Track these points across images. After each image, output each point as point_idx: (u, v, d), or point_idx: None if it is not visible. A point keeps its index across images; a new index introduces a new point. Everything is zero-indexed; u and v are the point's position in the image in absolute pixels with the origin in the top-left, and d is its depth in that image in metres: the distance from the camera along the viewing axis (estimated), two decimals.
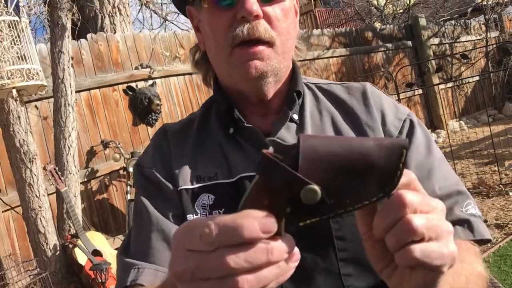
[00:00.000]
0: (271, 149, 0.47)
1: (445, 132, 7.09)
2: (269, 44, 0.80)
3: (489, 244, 3.06)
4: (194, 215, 0.83)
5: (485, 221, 3.51)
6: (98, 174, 4.23)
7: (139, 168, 0.92)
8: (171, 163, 0.89)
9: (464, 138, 6.77)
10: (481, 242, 0.80)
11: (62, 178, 3.40)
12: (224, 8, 0.80)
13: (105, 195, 4.30)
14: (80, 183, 3.83)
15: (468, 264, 0.68)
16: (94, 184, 4.24)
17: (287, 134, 0.85)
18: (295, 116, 0.87)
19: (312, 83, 0.95)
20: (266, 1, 0.80)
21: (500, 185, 4.22)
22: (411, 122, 0.88)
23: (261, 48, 0.79)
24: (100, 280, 3.12)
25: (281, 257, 0.41)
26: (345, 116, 0.88)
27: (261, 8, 0.79)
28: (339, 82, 0.95)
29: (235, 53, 0.80)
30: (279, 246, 0.41)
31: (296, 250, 0.43)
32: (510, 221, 3.40)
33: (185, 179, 0.86)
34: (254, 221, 0.39)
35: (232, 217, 0.40)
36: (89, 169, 4.18)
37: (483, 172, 4.83)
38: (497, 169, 4.56)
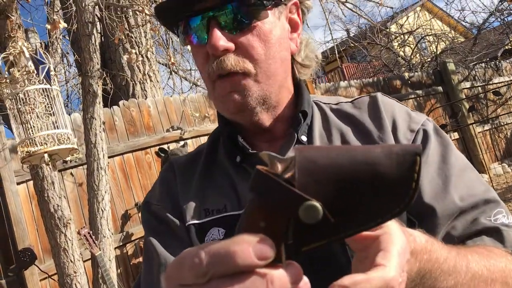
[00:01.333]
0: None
1: (487, 176, 6.82)
2: (245, 74, 0.77)
3: None
4: None
5: None
6: (133, 238, 4.22)
7: (146, 205, 0.90)
8: (178, 198, 0.86)
9: (509, 180, 6.47)
10: None
11: (96, 242, 3.41)
12: (199, 45, 0.80)
13: (141, 259, 4.27)
14: (116, 247, 3.83)
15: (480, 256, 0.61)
16: (130, 248, 4.22)
17: None
18: (304, 138, 0.83)
19: (324, 103, 0.91)
20: (236, 32, 0.77)
21: None
22: (425, 132, 0.82)
23: (236, 78, 0.77)
24: None
25: None
26: (356, 131, 0.84)
27: (232, 40, 0.76)
28: (349, 99, 0.92)
29: (217, 86, 0.79)
30: (280, 276, 0.35)
31: (305, 280, 0.37)
32: None
33: (193, 214, 0.83)
34: (248, 246, 0.34)
35: (224, 243, 0.35)
36: (124, 233, 4.18)
37: None
38: None
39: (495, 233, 0.71)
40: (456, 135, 7.47)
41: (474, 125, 7.44)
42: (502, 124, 8.29)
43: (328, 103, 0.91)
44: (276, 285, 0.35)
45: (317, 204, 0.36)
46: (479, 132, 7.77)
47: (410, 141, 0.81)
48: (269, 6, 0.78)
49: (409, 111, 0.87)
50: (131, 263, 4.20)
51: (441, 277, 0.53)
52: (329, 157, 0.37)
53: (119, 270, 3.89)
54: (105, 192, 3.58)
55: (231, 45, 0.76)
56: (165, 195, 0.88)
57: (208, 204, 0.83)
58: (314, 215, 0.36)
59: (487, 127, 8.03)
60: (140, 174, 4.47)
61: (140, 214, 4.31)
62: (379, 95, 0.89)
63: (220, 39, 0.75)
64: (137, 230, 4.25)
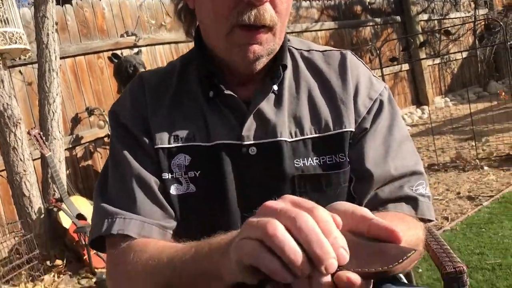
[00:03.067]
0: None
1: (429, 108, 7.19)
2: (270, 28, 0.79)
3: (458, 214, 3.19)
4: (170, 174, 0.85)
5: (458, 193, 3.63)
6: (83, 141, 4.27)
7: (114, 115, 0.91)
8: (148, 120, 0.87)
9: (447, 114, 6.87)
10: (427, 221, 0.84)
11: (46, 143, 3.45)
12: None
13: (90, 162, 4.36)
14: (65, 149, 3.88)
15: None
16: (79, 151, 4.29)
17: (266, 105, 0.86)
18: (275, 87, 0.87)
19: (296, 49, 0.94)
20: None
21: (476, 160, 4.34)
22: (381, 103, 0.89)
23: (263, 32, 0.79)
24: (83, 243, 3.21)
25: None
26: (322, 87, 0.89)
27: None
28: (321, 48, 0.95)
29: (236, 33, 0.79)
30: None
31: None
32: (481, 194, 3.52)
33: (162, 138, 0.86)
34: None
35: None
36: (74, 135, 4.22)
37: (462, 147, 4.95)
38: (474, 145, 4.68)
39: (412, 201, 0.83)
40: (407, 66, 7.71)
41: (425, 59, 7.67)
42: (452, 59, 8.58)
43: (300, 49, 0.94)
44: None
45: None
46: (428, 65, 8.03)
47: (367, 108, 0.87)
48: None
49: (371, 76, 0.92)
50: (80, 166, 4.29)
51: None
52: None
53: (68, 172, 3.98)
54: (57, 95, 3.56)
55: None
56: (135, 112, 0.89)
57: (177, 130, 0.86)
58: None
59: (437, 61, 8.29)
60: (91, 78, 4.42)
61: (90, 119, 4.33)
62: (349, 54, 0.93)
63: None
64: (86, 133, 4.29)
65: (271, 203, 0.52)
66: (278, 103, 0.87)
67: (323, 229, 0.48)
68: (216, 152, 0.84)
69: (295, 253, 0.46)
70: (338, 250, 0.47)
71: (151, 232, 0.82)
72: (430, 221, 0.86)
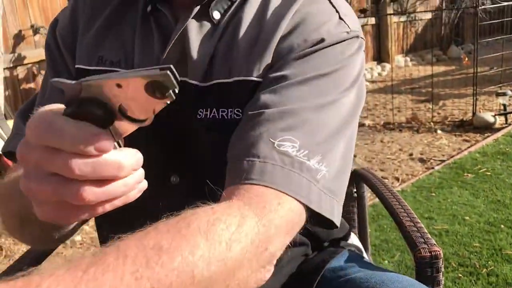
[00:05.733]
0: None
1: (390, 66, 7.17)
2: None
3: (410, 176, 3.20)
4: None
5: (411, 154, 3.64)
6: (26, 61, 3.93)
7: (54, 23, 0.81)
8: (79, 33, 0.77)
9: (407, 74, 6.88)
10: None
11: None
12: None
13: (32, 85, 4.04)
14: (5, 68, 3.56)
15: None
16: (21, 71, 3.95)
17: (196, 34, 0.70)
18: (216, 15, 0.70)
19: None
20: None
21: (431, 122, 4.37)
22: (322, 46, 0.66)
23: None
24: None
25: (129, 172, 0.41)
26: (256, 22, 0.69)
27: None
28: None
29: None
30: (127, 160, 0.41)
31: (141, 171, 0.43)
32: (433, 157, 3.55)
33: (86, 58, 0.75)
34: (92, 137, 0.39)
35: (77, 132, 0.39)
36: (16, 54, 3.87)
37: (418, 109, 4.97)
38: (431, 107, 4.71)
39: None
40: (373, 20, 7.58)
41: (391, 15, 7.57)
42: (417, 19, 8.53)
43: None
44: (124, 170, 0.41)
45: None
46: (394, 22, 7.94)
47: (296, 50, 0.66)
48: None
49: (334, 18, 0.69)
50: (21, 87, 3.97)
51: None
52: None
53: (7, 93, 3.67)
54: None
55: None
56: (69, 25, 0.79)
57: (104, 51, 0.75)
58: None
59: (402, 18, 8.22)
60: None
61: (35, 38, 3.97)
62: None
63: None
64: (30, 54, 3.94)
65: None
66: (210, 35, 0.70)
67: None
68: None
69: None
70: None
71: None
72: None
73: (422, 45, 8.81)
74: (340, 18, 0.69)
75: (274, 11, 0.69)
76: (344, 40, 0.67)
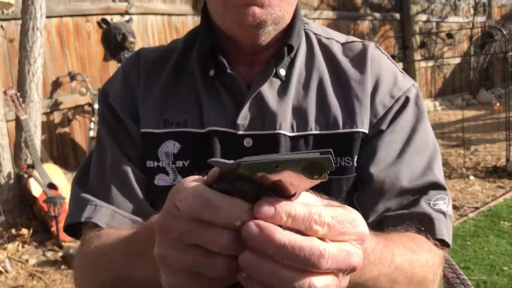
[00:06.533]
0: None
1: None
2: None
3: None
4: (155, 162, 0.76)
5: None
6: (61, 107, 4.08)
7: (104, 94, 0.83)
8: (138, 99, 0.80)
9: (436, 118, 6.83)
10: (444, 245, 0.72)
11: (23, 105, 3.26)
12: None
13: (67, 129, 4.17)
14: (42, 113, 3.70)
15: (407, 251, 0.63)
16: (57, 117, 4.10)
17: (269, 91, 0.76)
18: (282, 72, 0.77)
19: (314, 33, 0.83)
20: None
21: (463, 168, 4.29)
22: (405, 102, 0.77)
23: None
24: (53, 214, 3.05)
25: None
26: (336, 80, 0.78)
27: None
28: (342, 39, 0.84)
29: None
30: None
31: None
32: (466, 204, 3.46)
33: (151, 122, 0.78)
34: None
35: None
36: (53, 100, 4.02)
37: (449, 154, 4.90)
38: (462, 153, 4.63)
39: (428, 219, 0.71)
40: (400, 65, 7.63)
41: (420, 61, 7.62)
42: (445, 63, 8.54)
43: (318, 34, 0.83)
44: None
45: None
46: (422, 67, 7.97)
47: (386, 107, 0.76)
48: None
49: (397, 72, 0.80)
50: (56, 132, 4.10)
51: (367, 267, 0.54)
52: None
53: (43, 137, 3.79)
54: (38, 55, 3.37)
55: None
56: (125, 92, 0.81)
57: (168, 114, 0.78)
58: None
59: (430, 63, 8.24)
60: (77, 42, 4.21)
61: (72, 84, 4.13)
62: (372, 47, 0.81)
63: None
64: (66, 99, 4.10)
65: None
66: (283, 90, 0.76)
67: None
68: (208, 140, 0.75)
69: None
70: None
71: (121, 225, 0.74)
72: (447, 245, 0.73)
73: (451, 90, 8.77)
74: (400, 71, 0.81)
75: (348, 66, 0.79)
76: (413, 85, 0.80)
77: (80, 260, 0.75)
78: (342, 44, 0.82)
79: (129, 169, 0.77)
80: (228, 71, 0.75)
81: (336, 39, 0.83)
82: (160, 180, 0.77)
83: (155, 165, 0.77)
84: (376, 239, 0.56)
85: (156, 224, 0.43)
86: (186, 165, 0.75)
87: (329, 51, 0.81)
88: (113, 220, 0.75)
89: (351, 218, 0.41)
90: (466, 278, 0.83)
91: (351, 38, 0.84)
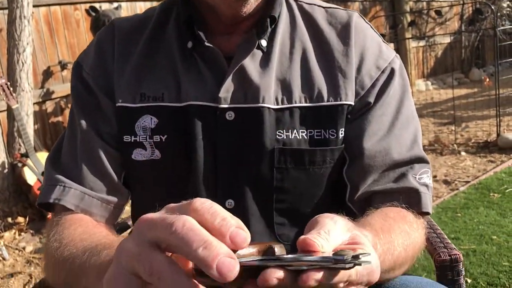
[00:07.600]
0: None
1: (411, 90, 7.16)
2: None
3: (434, 197, 3.17)
4: (132, 137, 0.75)
5: (435, 176, 3.61)
6: (54, 96, 4.07)
7: (77, 67, 0.81)
8: (113, 73, 0.78)
9: (428, 98, 6.86)
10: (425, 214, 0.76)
11: (14, 94, 3.26)
12: None
13: (60, 118, 4.17)
14: (34, 103, 3.69)
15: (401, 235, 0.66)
16: (49, 106, 4.09)
17: (251, 63, 0.74)
18: (264, 43, 0.75)
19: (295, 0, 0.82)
20: None
21: (454, 144, 4.33)
22: (391, 73, 0.77)
23: None
24: None
25: None
26: (320, 50, 0.78)
27: None
28: (324, 4, 0.82)
29: None
30: None
31: None
32: (457, 178, 3.51)
33: (126, 95, 0.76)
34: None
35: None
36: (45, 89, 4.01)
37: (440, 131, 4.94)
38: (454, 129, 4.67)
39: (415, 193, 0.74)
40: (392, 46, 7.63)
41: (410, 40, 7.61)
42: (437, 43, 8.53)
43: (300, 1, 0.82)
44: None
45: None
46: (413, 47, 7.97)
47: (373, 79, 0.76)
48: None
49: (381, 43, 0.80)
50: (49, 121, 4.10)
51: None
52: None
53: (36, 126, 3.80)
54: (27, 44, 3.36)
55: None
56: (98, 65, 0.79)
57: (144, 88, 0.76)
58: None
59: (422, 43, 8.23)
60: (67, 31, 4.19)
61: (63, 73, 4.12)
62: (355, 16, 0.81)
63: None
64: (58, 88, 4.09)
65: (145, 216, 0.39)
66: (265, 62, 0.75)
67: (206, 220, 0.37)
68: (186, 114, 0.74)
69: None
70: (229, 231, 0.36)
71: (90, 206, 0.75)
72: (427, 213, 0.76)
73: (443, 69, 8.78)
74: (383, 41, 0.81)
75: (332, 36, 0.78)
76: (396, 56, 0.81)
77: (46, 258, 0.73)
78: (325, 9, 0.81)
79: (99, 147, 0.76)
80: (206, 44, 0.74)
81: (317, 4, 0.82)
82: (138, 154, 0.76)
83: (132, 140, 0.76)
84: (379, 249, 0.58)
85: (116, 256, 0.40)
86: (163, 140, 0.75)
87: (312, 19, 0.80)
88: (82, 201, 0.75)
89: (370, 269, 0.43)
90: (442, 232, 0.86)
91: (334, 5, 0.83)
